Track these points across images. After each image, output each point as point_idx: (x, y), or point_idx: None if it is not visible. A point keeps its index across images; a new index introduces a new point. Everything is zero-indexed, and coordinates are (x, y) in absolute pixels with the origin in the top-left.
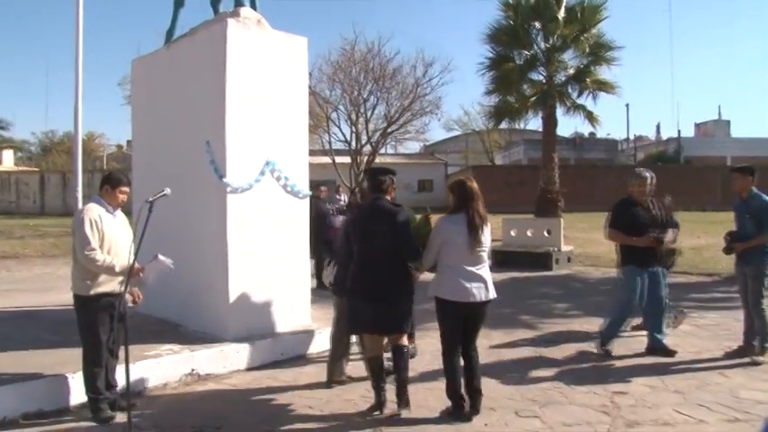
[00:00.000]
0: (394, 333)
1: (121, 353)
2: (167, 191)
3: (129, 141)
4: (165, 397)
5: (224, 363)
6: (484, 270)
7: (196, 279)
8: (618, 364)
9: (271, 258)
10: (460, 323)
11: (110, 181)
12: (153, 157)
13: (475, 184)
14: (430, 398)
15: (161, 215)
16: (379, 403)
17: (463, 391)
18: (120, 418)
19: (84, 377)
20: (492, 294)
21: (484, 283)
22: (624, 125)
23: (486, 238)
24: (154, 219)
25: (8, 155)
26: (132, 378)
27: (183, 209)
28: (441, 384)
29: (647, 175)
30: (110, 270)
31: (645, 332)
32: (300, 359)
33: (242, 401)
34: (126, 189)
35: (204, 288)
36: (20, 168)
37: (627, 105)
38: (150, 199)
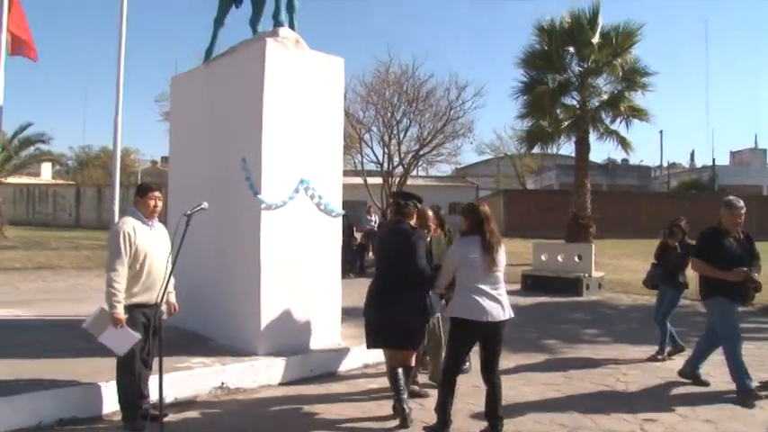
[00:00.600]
0: (398, 347)
1: (154, 364)
2: (205, 205)
3: (163, 157)
4: (195, 409)
5: (254, 377)
6: (500, 291)
7: (228, 293)
8: (648, 391)
9: (303, 275)
10: (472, 344)
11: (139, 191)
12: (190, 172)
13: (486, 208)
14: (458, 417)
15: (196, 229)
16: (403, 419)
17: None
18: (152, 427)
19: (118, 386)
20: (509, 314)
21: (500, 304)
22: (658, 152)
23: (502, 258)
24: (188, 233)
25: (46, 168)
26: (164, 389)
27: (218, 224)
28: (469, 406)
29: (742, 204)
30: (108, 298)
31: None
32: (330, 376)
33: (270, 416)
34: (155, 194)
35: (236, 302)
36: (57, 181)
37: (661, 132)
38: (188, 212)
